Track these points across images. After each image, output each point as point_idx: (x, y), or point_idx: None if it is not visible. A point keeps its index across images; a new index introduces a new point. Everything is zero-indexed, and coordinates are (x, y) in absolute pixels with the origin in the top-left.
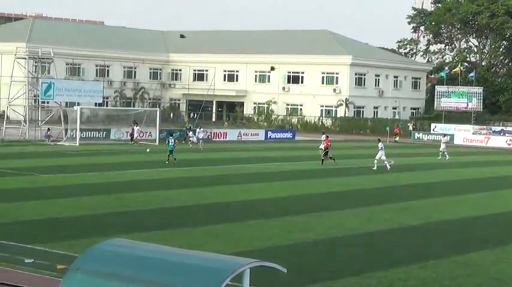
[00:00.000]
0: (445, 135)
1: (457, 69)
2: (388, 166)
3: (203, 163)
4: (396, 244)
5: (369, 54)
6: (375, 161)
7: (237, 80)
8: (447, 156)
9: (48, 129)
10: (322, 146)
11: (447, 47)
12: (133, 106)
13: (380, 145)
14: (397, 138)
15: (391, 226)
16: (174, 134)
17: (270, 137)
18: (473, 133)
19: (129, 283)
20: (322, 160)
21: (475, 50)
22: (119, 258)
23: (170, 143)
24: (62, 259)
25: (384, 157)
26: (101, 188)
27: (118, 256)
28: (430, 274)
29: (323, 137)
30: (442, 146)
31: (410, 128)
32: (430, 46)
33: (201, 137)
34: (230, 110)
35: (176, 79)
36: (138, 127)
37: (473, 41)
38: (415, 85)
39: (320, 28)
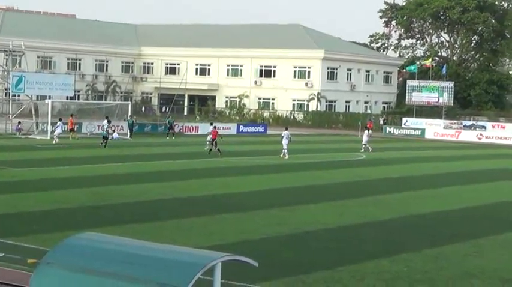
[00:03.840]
0: (366, 128)
1: (427, 62)
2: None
3: (176, 157)
4: (368, 238)
5: (341, 48)
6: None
7: (209, 74)
8: (370, 148)
9: (19, 122)
10: (209, 138)
11: (418, 41)
12: (105, 100)
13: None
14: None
15: (364, 220)
16: (110, 120)
17: (242, 131)
18: (444, 128)
19: (100, 277)
20: (210, 149)
21: (447, 44)
22: (90, 252)
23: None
24: (33, 253)
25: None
26: (74, 182)
27: (89, 249)
28: (401, 268)
29: (211, 128)
30: (365, 139)
31: (381, 122)
32: (402, 41)
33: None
34: (202, 104)
35: (148, 73)
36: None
37: (445, 36)
38: (387, 79)
39: (292, 22)
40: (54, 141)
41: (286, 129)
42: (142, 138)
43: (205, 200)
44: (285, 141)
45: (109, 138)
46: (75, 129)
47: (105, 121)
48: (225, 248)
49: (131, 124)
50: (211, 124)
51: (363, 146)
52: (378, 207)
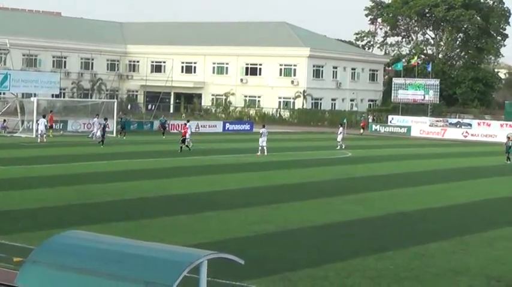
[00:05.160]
0: (341, 125)
1: (413, 61)
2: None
3: (161, 155)
4: (354, 236)
5: (327, 46)
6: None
7: (194, 72)
8: (343, 145)
9: (4, 120)
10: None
11: (404, 39)
12: (91, 97)
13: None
14: (361, 131)
15: (349, 218)
16: (106, 118)
17: (228, 129)
18: (429, 125)
19: (86, 275)
20: (181, 147)
21: (432, 42)
22: (76, 250)
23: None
24: (19, 252)
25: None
26: (59, 180)
27: (75, 247)
28: (387, 266)
29: (188, 124)
30: (339, 136)
31: (370, 120)
32: (387, 38)
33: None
34: (188, 101)
35: (134, 70)
36: (97, 119)
37: (430, 34)
38: (373, 77)
39: (278, 20)
40: (39, 140)
41: (264, 126)
42: (128, 136)
43: (190, 198)
44: (262, 139)
45: (90, 136)
46: (54, 126)
47: (95, 119)
48: (210, 246)
49: (124, 122)
50: (188, 121)
51: (338, 143)
52: (363, 205)
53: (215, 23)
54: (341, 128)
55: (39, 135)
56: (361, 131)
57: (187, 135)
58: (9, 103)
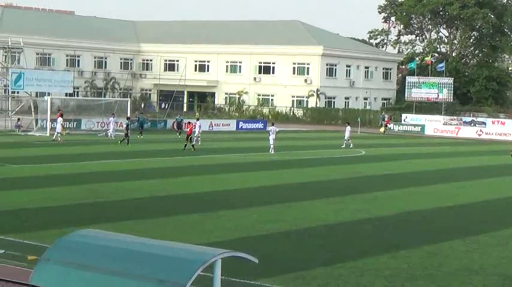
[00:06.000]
0: (348, 123)
1: (427, 59)
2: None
3: (174, 154)
4: (367, 234)
5: (340, 44)
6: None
7: (208, 71)
8: (351, 144)
9: (18, 119)
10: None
11: (418, 37)
12: (104, 96)
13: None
14: (382, 130)
15: (363, 216)
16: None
17: (242, 127)
18: (443, 124)
19: (100, 273)
20: (185, 145)
21: (446, 40)
22: (90, 248)
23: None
24: (32, 250)
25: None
26: (72, 179)
27: (89, 246)
28: (401, 264)
29: (198, 123)
30: (347, 134)
31: (387, 118)
32: (401, 37)
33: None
34: (201, 100)
35: (147, 69)
36: (113, 118)
37: (444, 32)
38: (386, 76)
39: (291, 19)
40: (58, 139)
41: (273, 124)
42: (143, 135)
43: (202, 197)
44: (271, 137)
45: (103, 135)
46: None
47: (111, 118)
48: (223, 245)
49: (141, 121)
50: (197, 120)
51: (344, 141)
52: (376, 203)
53: (228, 22)
54: (348, 127)
55: (57, 134)
56: (383, 129)
57: (197, 133)
58: (23, 102)
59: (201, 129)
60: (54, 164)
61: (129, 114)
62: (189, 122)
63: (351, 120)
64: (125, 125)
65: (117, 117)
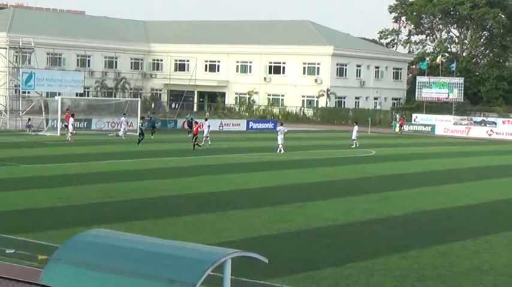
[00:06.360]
0: (356, 123)
1: (437, 59)
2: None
3: (184, 153)
4: (377, 234)
5: (350, 44)
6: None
7: (218, 71)
8: (357, 144)
9: (29, 119)
10: (205, 133)
11: (428, 37)
12: (115, 96)
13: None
14: (397, 130)
15: (372, 216)
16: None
17: (252, 127)
18: (454, 124)
19: (110, 273)
20: (194, 145)
21: (456, 40)
22: (100, 248)
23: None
24: (43, 250)
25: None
26: (82, 179)
27: (100, 246)
28: (411, 264)
29: (207, 123)
30: (355, 134)
31: (398, 118)
32: (411, 36)
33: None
34: (212, 100)
35: (157, 69)
36: (125, 118)
37: (454, 32)
38: (396, 76)
39: (301, 18)
40: (68, 138)
41: (282, 124)
42: (154, 135)
43: (212, 197)
44: (280, 137)
45: (113, 135)
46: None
47: (122, 118)
48: (233, 245)
49: (153, 121)
50: (206, 120)
51: (353, 141)
52: (386, 203)
53: (238, 22)
54: (356, 126)
55: (69, 135)
56: (399, 129)
57: (206, 133)
58: (34, 102)
59: (209, 130)
60: (64, 164)
61: (141, 115)
62: (196, 122)
63: (360, 120)
64: (139, 125)
65: (127, 117)
